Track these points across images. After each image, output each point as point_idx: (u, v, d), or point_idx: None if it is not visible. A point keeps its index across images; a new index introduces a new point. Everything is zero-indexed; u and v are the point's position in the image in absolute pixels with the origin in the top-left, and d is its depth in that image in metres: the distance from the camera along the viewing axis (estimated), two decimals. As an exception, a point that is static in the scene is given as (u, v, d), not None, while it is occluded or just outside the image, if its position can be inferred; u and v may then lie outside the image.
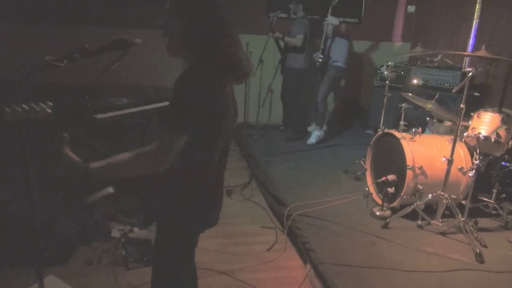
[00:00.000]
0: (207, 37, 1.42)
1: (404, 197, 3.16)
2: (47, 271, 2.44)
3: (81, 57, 1.59)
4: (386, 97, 4.05)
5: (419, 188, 3.11)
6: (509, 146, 3.07)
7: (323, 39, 5.04)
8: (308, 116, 5.64)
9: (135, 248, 2.75)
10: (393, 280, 2.47)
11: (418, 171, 3.12)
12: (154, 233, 1.62)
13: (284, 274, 2.73)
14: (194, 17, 1.43)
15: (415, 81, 4.75)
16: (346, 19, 5.18)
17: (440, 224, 3.00)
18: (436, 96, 3.56)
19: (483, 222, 3.20)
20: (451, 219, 3.03)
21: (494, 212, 3.29)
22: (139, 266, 2.64)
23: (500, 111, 3.14)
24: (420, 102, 3.59)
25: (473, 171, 3.02)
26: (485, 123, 3.07)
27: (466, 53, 3.87)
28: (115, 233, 2.97)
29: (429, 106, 3.51)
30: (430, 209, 3.11)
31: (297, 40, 5.06)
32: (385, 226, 3.07)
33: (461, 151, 3.21)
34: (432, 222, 3.02)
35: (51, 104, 1.58)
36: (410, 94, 3.64)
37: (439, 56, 3.52)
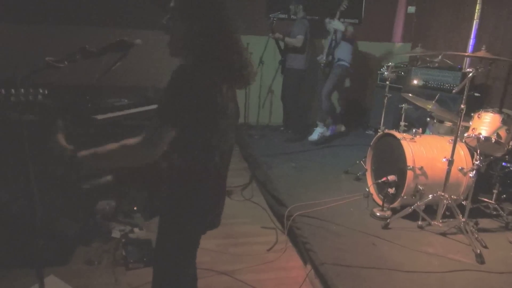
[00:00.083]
0: (207, 39, 1.42)
1: (405, 197, 3.15)
2: (48, 271, 2.44)
3: (82, 58, 1.59)
4: (386, 98, 4.05)
5: (420, 188, 3.11)
6: (510, 146, 3.06)
7: (329, 43, 5.06)
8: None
9: (135, 248, 2.75)
10: (394, 280, 2.47)
11: (418, 172, 3.12)
12: (155, 233, 1.62)
13: (285, 274, 2.73)
14: (195, 18, 1.43)
15: (415, 82, 4.75)
16: (347, 20, 5.18)
17: (440, 225, 3.00)
18: (437, 97, 3.56)
19: (484, 222, 3.20)
20: (451, 219, 3.03)
21: (495, 212, 3.29)
22: (140, 267, 2.64)
23: (500, 112, 3.13)
24: (420, 102, 3.59)
25: (474, 172, 3.02)
26: (485, 123, 3.06)
27: (466, 54, 3.86)
28: (116, 233, 2.97)
29: (430, 106, 3.51)
30: (431, 210, 3.11)
31: (297, 40, 5.06)
32: (386, 226, 3.07)
33: (462, 152, 3.21)
34: (432, 222, 3.02)
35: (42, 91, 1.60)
36: (410, 94, 3.65)
37: (440, 57, 3.51)
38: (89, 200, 3.13)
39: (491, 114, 3.08)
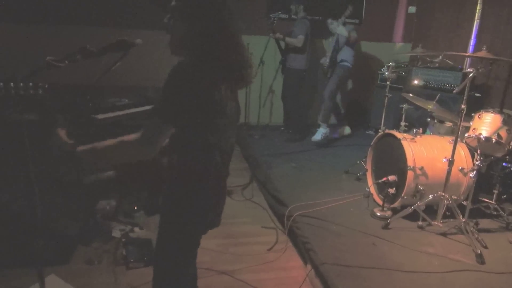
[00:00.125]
0: (207, 39, 1.42)
1: (405, 197, 3.15)
2: (48, 270, 2.44)
3: (82, 58, 1.60)
4: (387, 98, 4.04)
5: (420, 188, 3.11)
6: (510, 147, 3.06)
7: (332, 47, 5.07)
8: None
9: (135, 248, 2.75)
10: (394, 280, 2.47)
11: (419, 172, 3.12)
12: (156, 232, 1.62)
13: (285, 274, 2.73)
14: (195, 18, 1.43)
15: (416, 82, 4.75)
16: (347, 20, 5.18)
17: (440, 225, 3.00)
18: (437, 97, 3.56)
19: (484, 223, 3.20)
20: (452, 219, 3.03)
21: (495, 213, 3.29)
22: (140, 266, 2.64)
23: (501, 112, 3.13)
24: (421, 102, 3.59)
25: (474, 172, 3.02)
26: (486, 124, 3.06)
27: (467, 54, 3.85)
28: (116, 233, 2.97)
29: (430, 106, 3.51)
30: (431, 210, 3.11)
31: (298, 40, 5.06)
32: (386, 226, 3.07)
33: (462, 152, 3.21)
34: (432, 222, 3.02)
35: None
36: (411, 94, 3.64)
37: (440, 57, 3.51)
38: (90, 200, 3.13)
39: (492, 114, 3.08)
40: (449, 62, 4.09)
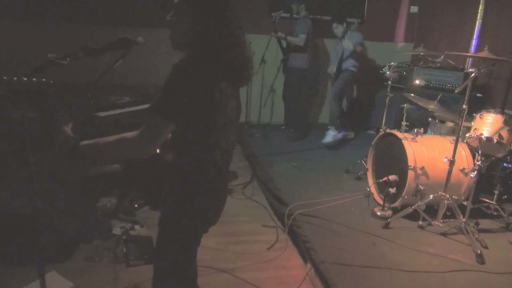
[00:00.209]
0: (209, 37, 1.42)
1: (405, 197, 3.15)
2: (49, 268, 2.45)
3: (84, 55, 1.60)
4: (388, 98, 4.04)
5: (421, 188, 3.11)
6: (511, 147, 3.06)
7: (338, 57, 5.10)
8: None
9: (136, 246, 2.76)
10: (394, 280, 2.47)
11: (419, 172, 3.12)
12: (156, 230, 1.62)
13: (285, 273, 2.73)
14: (198, 15, 1.43)
15: (417, 82, 4.74)
16: (349, 19, 5.18)
17: (441, 225, 3.00)
18: (439, 97, 3.56)
19: (484, 223, 3.20)
20: (452, 219, 3.03)
21: (496, 213, 3.29)
22: (140, 264, 2.64)
23: (502, 112, 3.13)
24: (422, 102, 3.59)
25: (475, 172, 3.02)
26: (487, 124, 3.06)
27: (469, 54, 3.86)
28: (116, 231, 2.97)
29: (431, 106, 3.51)
30: (431, 210, 3.11)
31: (299, 39, 5.06)
32: (386, 226, 3.07)
33: (463, 152, 3.20)
34: (433, 222, 3.02)
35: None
36: (412, 94, 3.64)
37: (442, 57, 3.50)
38: (90, 197, 3.14)
39: (493, 114, 3.08)
40: (450, 62, 4.08)
